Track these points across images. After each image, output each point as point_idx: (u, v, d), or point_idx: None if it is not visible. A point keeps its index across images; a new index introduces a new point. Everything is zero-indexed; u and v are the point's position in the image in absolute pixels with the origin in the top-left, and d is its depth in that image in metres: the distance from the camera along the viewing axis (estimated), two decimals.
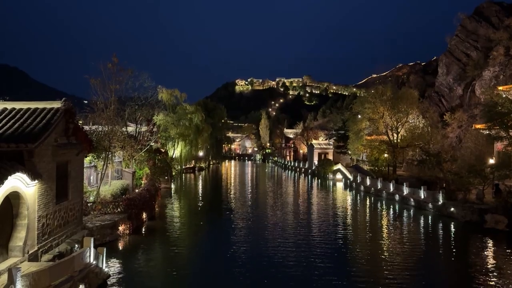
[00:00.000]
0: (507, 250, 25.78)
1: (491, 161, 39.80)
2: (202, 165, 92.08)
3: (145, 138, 41.19)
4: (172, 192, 50.54)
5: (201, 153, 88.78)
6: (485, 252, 25.76)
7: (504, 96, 43.09)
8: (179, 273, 20.39)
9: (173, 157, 61.46)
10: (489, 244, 27.14)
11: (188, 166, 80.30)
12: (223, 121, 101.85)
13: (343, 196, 52.82)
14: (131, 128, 42.48)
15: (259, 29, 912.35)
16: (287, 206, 42.77)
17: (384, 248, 25.97)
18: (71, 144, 20.30)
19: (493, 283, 19.34)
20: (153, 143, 44.80)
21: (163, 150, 55.78)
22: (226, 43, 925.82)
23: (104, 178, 30.57)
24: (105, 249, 18.85)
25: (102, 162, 29.99)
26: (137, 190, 34.48)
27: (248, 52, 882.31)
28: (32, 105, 19.54)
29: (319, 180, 73.63)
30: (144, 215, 30.44)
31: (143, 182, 38.46)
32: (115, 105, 31.42)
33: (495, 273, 20.96)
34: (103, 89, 30.77)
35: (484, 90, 58.13)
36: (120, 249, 24.37)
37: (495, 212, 30.09)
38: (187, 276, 20.11)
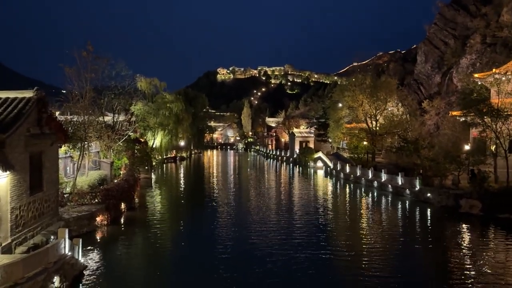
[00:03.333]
0: (481, 234, 26.51)
1: (467, 147, 40.61)
2: (184, 154, 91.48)
3: (123, 128, 40.62)
4: (153, 182, 50.13)
5: (182, 143, 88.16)
6: (460, 236, 26.46)
7: (479, 83, 43.96)
8: (159, 264, 20.33)
9: (153, 147, 60.90)
10: (464, 228, 27.85)
11: (169, 156, 79.69)
12: (204, 110, 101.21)
13: (323, 184, 53.45)
14: (109, 118, 41.82)
15: (242, 18, 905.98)
16: (269, 194, 43.04)
17: (363, 233, 26.58)
18: (44, 134, 19.85)
19: (467, 265, 19.93)
20: (132, 133, 44.23)
21: (142, 140, 55.18)
22: (208, 32, 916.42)
23: (81, 169, 30.10)
24: (81, 240, 18.61)
25: (78, 153, 29.47)
26: (115, 181, 34.07)
27: (230, 40, 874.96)
28: (3, 94, 19.02)
29: (301, 168, 74.18)
30: (122, 206, 30.14)
31: (122, 172, 38.00)
32: (91, 94, 30.76)
33: (469, 255, 21.63)
34: (78, 78, 30.08)
35: (461, 78, 59.18)
36: (98, 240, 24.12)
37: (470, 197, 30.83)
38: (167, 267, 19.95)
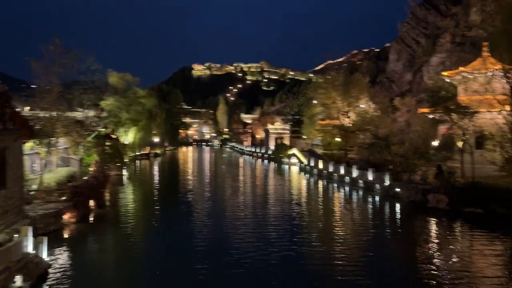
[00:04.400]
0: (447, 227, 27.32)
1: (435, 143, 41.69)
2: (158, 151, 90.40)
3: (93, 124, 39.79)
4: (125, 179, 49.35)
5: (156, 139, 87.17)
6: (427, 229, 27.25)
7: (448, 81, 45.17)
8: (130, 261, 19.95)
9: (126, 143, 59.92)
10: (431, 222, 28.63)
11: (142, 152, 78.60)
12: (179, 106, 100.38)
13: (297, 179, 53.94)
14: (79, 114, 40.90)
15: (219, 14, 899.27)
16: (243, 190, 43.20)
17: (333, 227, 27.04)
18: (8, 130, 19.21)
19: (435, 257, 20.49)
20: (102, 129, 43.39)
21: (114, 136, 54.19)
22: (185, 27, 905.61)
23: (49, 165, 29.34)
24: (46, 238, 18.15)
25: (45, 149, 28.69)
26: (85, 178, 33.35)
27: (206, 36, 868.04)
28: None
29: (275, 164, 74.55)
30: (91, 203, 29.55)
31: (91, 169, 37.23)
32: (58, 89, 29.96)
33: (436, 248, 22.34)
34: (46, 73, 29.26)
35: (431, 76, 60.66)
36: (65, 238, 23.56)
37: (437, 192, 31.67)
38: (139, 265, 19.50)
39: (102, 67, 41.85)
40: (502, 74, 31.72)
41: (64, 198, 26.86)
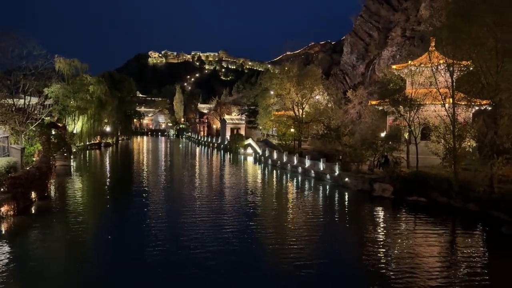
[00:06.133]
0: (392, 215, 28.37)
1: (383, 134, 43.07)
2: (110, 141, 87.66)
3: (35, 112, 37.77)
4: (72, 170, 47.43)
5: (108, 128, 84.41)
6: (373, 216, 28.37)
7: (397, 74, 46.60)
8: (72, 255, 19.12)
9: (74, 132, 57.49)
10: (377, 209, 29.65)
11: (93, 142, 75.88)
12: (132, 94, 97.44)
13: (252, 170, 54.10)
14: (20, 101, 38.63)
15: (175, 1, 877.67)
16: (198, 181, 42.76)
17: (285, 214, 27.60)
18: None
19: (379, 241, 21.58)
20: (47, 117, 41.31)
21: (60, 125, 51.84)
22: (140, 14, 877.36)
23: None
24: None
25: None
26: (27, 168, 31.67)
27: (163, 23, 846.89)
28: None
29: (231, 154, 74.43)
30: (33, 195, 28.15)
31: (34, 159, 35.45)
32: None
33: (381, 234, 23.45)
34: None
35: (382, 69, 62.45)
36: (3, 231, 22.30)
37: (383, 181, 32.79)
38: (81, 260, 18.57)
39: (47, 53, 39.60)
40: (445, 68, 33.05)
41: (3, 189, 25.38)
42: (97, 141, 79.02)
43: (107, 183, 41.35)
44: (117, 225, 24.69)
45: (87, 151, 69.33)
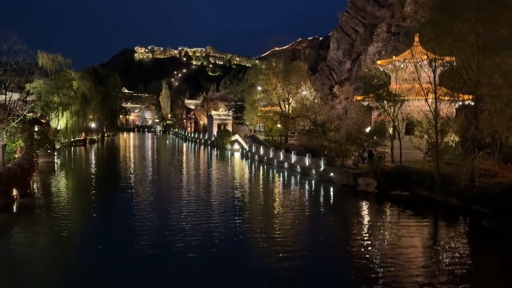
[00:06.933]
0: (376, 209, 28.72)
1: (368, 129, 43.40)
2: (95, 137, 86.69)
3: (17, 108, 37.12)
4: (56, 167, 46.84)
5: (93, 125, 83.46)
6: (357, 210, 28.69)
7: (382, 70, 46.99)
8: (56, 252, 18.79)
9: (58, 128, 56.67)
10: (361, 204, 29.95)
11: (78, 138, 74.93)
12: (118, 90, 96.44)
13: (238, 166, 54.15)
14: (3, 97, 37.97)
15: None
16: (185, 176, 42.73)
17: (271, 210, 27.68)
18: None
19: (363, 234, 22.08)
20: (30, 114, 40.64)
21: (43, 121, 51.05)
22: (125, 8, 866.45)
23: None
24: None
25: None
26: (8, 166, 31.14)
27: (149, 18, 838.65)
28: None
29: (218, 150, 74.30)
30: (15, 192, 27.72)
31: (16, 156, 34.89)
32: None
33: (364, 227, 23.88)
34: None
35: (367, 65, 62.83)
36: None
37: (367, 176, 33.07)
38: (66, 257, 18.23)
39: (29, 48, 38.80)
40: (428, 63, 33.39)
41: None
42: (82, 138, 78.06)
43: (92, 180, 40.89)
44: (101, 221, 24.46)
45: (72, 148, 68.48)
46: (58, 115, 57.11)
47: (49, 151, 46.74)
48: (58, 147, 53.03)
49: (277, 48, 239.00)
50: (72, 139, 68.86)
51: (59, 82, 54.88)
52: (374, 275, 16.01)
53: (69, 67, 59.76)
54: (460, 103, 36.56)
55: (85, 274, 16.07)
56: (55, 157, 50.01)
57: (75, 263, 17.48)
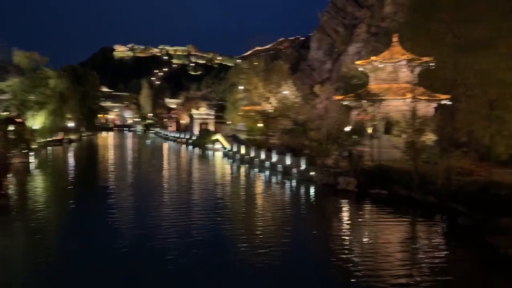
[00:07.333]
0: (355, 207, 28.98)
1: (348, 129, 43.67)
2: (73, 137, 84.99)
3: None
4: (32, 167, 45.77)
5: (71, 124, 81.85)
6: (336, 209, 28.93)
7: (361, 70, 47.38)
8: (31, 253, 18.32)
9: (34, 128, 55.33)
10: (340, 202, 30.21)
11: (55, 138, 73.31)
12: (97, 89, 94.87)
13: (219, 165, 53.97)
14: None
15: None
16: (164, 177, 42.38)
17: (251, 209, 27.69)
18: None
19: (341, 231, 22.33)
20: (5, 113, 39.58)
21: (19, 120, 49.76)
22: (104, 5, 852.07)
23: None
24: None
25: None
26: None
27: (129, 16, 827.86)
28: None
29: (200, 150, 73.89)
30: None
31: None
32: None
33: (343, 224, 24.15)
34: None
35: (347, 65, 63.38)
36: None
37: (347, 175, 33.30)
38: (41, 258, 17.64)
39: (3, 46, 37.82)
40: (406, 63, 33.84)
41: None
42: (60, 137, 76.43)
43: (69, 180, 40.08)
44: (76, 223, 23.98)
45: (49, 148, 67.00)
46: (34, 114, 55.73)
47: (24, 151, 45.62)
48: (34, 147, 51.76)
49: (259, 48, 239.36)
50: (49, 139, 67.38)
51: (35, 80, 53.61)
52: (352, 270, 16.24)
53: (46, 66, 58.58)
54: (438, 102, 37.21)
55: (59, 275, 15.73)
56: (31, 157, 48.85)
57: (49, 264, 17.00)
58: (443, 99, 34.33)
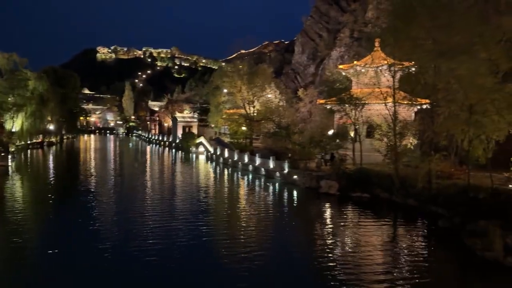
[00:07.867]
0: (336, 210, 29.16)
1: (331, 132, 43.97)
2: (53, 139, 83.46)
3: None
4: (10, 170, 44.74)
5: (51, 126, 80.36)
6: (318, 212, 29.20)
7: (344, 74, 47.79)
8: (7, 258, 17.80)
9: (13, 130, 54.10)
10: (322, 205, 30.44)
11: (35, 141, 71.86)
12: (78, 91, 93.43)
13: (203, 168, 53.69)
14: None
15: None
16: (146, 180, 41.87)
17: (234, 212, 27.63)
18: None
19: (323, 234, 22.77)
20: None
21: None
22: (86, 6, 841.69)
23: None
24: None
25: None
26: None
27: (112, 17, 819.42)
28: None
29: (183, 153, 73.37)
30: None
31: None
32: None
33: (325, 227, 24.51)
34: None
35: (330, 69, 63.89)
36: None
37: (329, 178, 33.47)
38: (19, 263, 17.27)
39: None
40: (387, 68, 34.24)
41: None
42: (40, 140, 74.96)
43: (48, 184, 39.21)
44: (56, 226, 23.50)
45: (28, 151, 65.65)
46: (13, 116, 54.47)
47: (2, 154, 44.59)
48: (12, 149, 50.60)
49: (243, 51, 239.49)
50: (28, 142, 65.97)
51: (13, 82, 52.42)
52: (334, 272, 16.39)
53: (26, 67, 57.33)
54: (418, 107, 37.73)
55: (38, 280, 15.46)
56: (9, 160, 47.76)
57: (27, 268, 16.72)
58: (424, 104, 34.79)
